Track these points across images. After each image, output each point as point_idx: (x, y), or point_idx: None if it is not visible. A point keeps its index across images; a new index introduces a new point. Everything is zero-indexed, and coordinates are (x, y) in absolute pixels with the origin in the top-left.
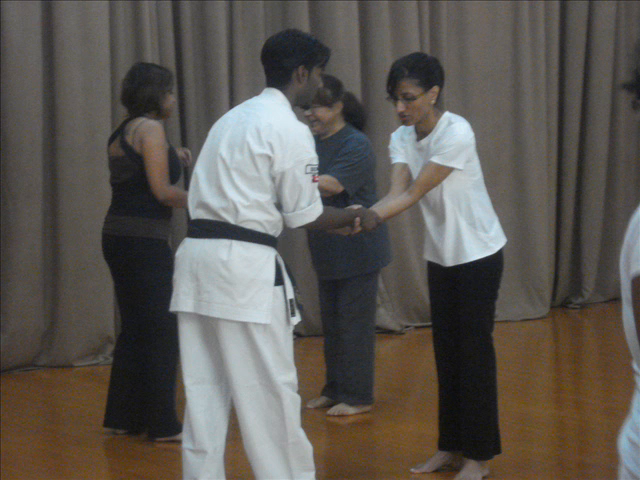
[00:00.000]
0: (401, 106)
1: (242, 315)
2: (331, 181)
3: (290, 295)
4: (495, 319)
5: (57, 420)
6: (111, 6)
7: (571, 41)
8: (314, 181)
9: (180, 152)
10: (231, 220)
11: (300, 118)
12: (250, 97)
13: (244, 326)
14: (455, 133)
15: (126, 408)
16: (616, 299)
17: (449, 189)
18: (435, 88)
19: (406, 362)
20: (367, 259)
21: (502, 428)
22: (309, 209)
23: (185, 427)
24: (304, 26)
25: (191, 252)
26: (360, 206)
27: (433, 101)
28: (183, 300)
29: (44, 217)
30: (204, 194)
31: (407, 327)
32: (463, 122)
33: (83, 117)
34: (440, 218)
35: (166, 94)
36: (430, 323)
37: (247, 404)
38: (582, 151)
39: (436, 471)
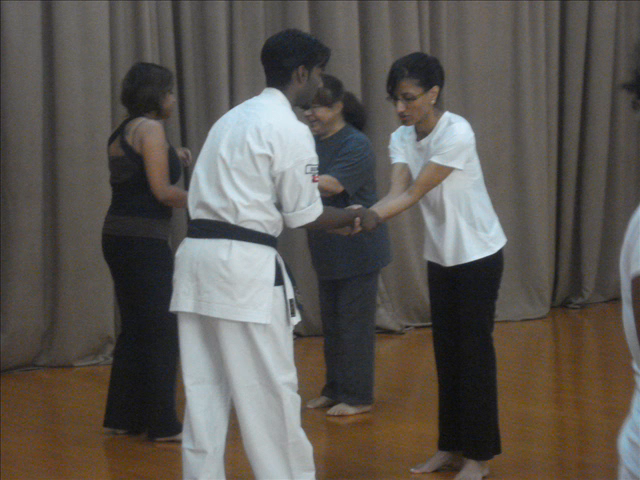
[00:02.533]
0: (401, 106)
1: (242, 315)
2: (331, 181)
3: (290, 295)
4: (495, 319)
5: (57, 420)
6: (111, 6)
7: (571, 41)
8: (314, 181)
9: (180, 152)
10: (231, 220)
11: (300, 118)
12: (250, 97)
13: (244, 326)
14: (455, 133)
15: (126, 408)
16: (616, 299)
17: (449, 189)
18: (435, 88)
19: (406, 362)
20: (367, 259)
21: (502, 428)
22: (309, 209)
23: (185, 427)
24: (304, 26)
25: (191, 252)
26: (360, 206)
27: (433, 101)
28: (183, 300)
29: (44, 217)
30: (204, 194)
31: (407, 327)
32: (463, 122)
33: (83, 117)
34: (440, 218)
35: (166, 94)
36: (430, 323)
37: (247, 404)
38: (582, 151)
39: (436, 471)
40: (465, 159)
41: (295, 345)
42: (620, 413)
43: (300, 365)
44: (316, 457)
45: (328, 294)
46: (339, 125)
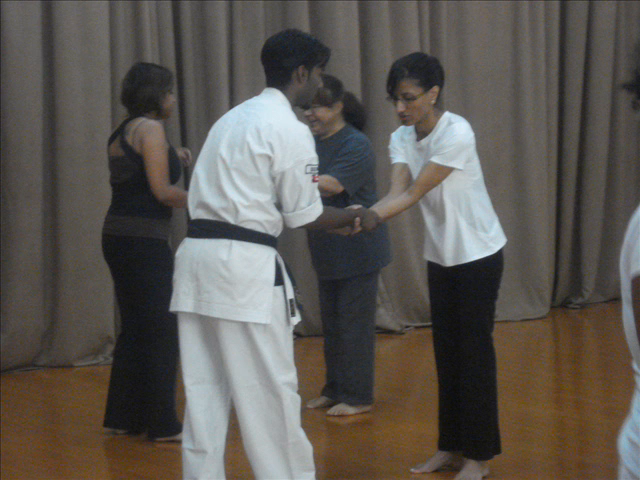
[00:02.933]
0: (401, 106)
1: (242, 315)
2: (331, 181)
3: (290, 295)
4: (495, 319)
5: (57, 420)
6: (111, 6)
7: (571, 41)
8: (314, 181)
9: (180, 152)
10: (231, 220)
11: (300, 118)
12: (250, 97)
13: (244, 326)
14: (455, 133)
15: (126, 408)
16: (616, 299)
17: (449, 189)
18: (435, 88)
19: (406, 362)
20: (367, 259)
21: (502, 428)
22: (309, 209)
23: (185, 427)
24: (304, 26)
25: (191, 252)
26: (360, 206)
27: (433, 101)
28: (183, 300)
29: (44, 217)
30: (204, 194)
31: (407, 327)
32: (463, 122)
33: (83, 117)
34: (440, 218)
35: (166, 94)
36: (430, 323)
37: (247, 404)
38: (582, 151)
39: (436, 471)
40: (465, 159)
41: (295, 345)
42: (620, 413)
43: (300, 365)
44: (316, 457)
45: (328, 294)
46: (339, 125)
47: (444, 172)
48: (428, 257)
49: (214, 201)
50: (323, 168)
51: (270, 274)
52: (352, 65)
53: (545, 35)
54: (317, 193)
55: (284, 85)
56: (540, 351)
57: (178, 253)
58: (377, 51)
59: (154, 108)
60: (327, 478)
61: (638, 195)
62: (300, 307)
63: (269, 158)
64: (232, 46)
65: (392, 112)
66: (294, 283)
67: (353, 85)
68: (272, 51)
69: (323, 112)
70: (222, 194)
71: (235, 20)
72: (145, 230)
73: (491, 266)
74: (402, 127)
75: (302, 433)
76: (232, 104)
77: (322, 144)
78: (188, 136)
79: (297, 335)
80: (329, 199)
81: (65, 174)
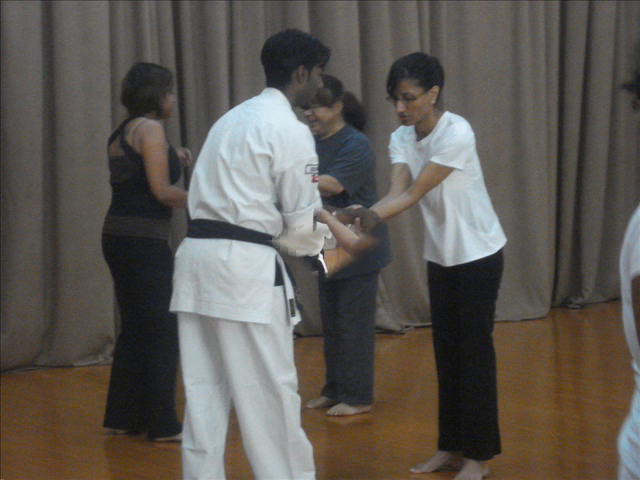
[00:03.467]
0: (401, 106)
1: (242, 315)
2: (331, 181)
3: (290, 295)
4: (495, 319)
5: (57, 420)
6: (111, 6)
7: (571, 41)
8: (314, 181)
9: (180, 152)
10: (231, 220)
11: (300, 118)
12: (250, 97)
13: (244, 326)
14: (455, 133)
15: (126, 408)
16: (616, 299)
17: (449, 189)
18: (435, 88)
19: (406, 362)
20: (367, 259)
21: (502, 428)
22: (309, 209)
23: (185, 427)
24: (304, 26)
25: (191, 252)
26: (360, 206)
27: (433, 101)
28: (183, 300)
29: (44, 217)
30: (204, 194)
31: (407, 327)
32: (463, 122)
33: (83, 117)
34: (440, 218)
35: (166, 94)
36: (430, 323)
37: (247, 404)
38: (582, 151)
39: (436, 471)
40: (465, 159)
41: (295, 345)
42: (620, 413)
43: (300, 365)
44: (316, 457)
45: (328, 294)
46: (339, 125)
47: (444, 172)
48: (428, 257)
49: (214, 201)
50: (323, 168)
51: (270, 274)
52: (352, 65)
53: (545, 35)
54: (317, 193)
55: (284, 85)
56: (540, 351)
57: (178, 253)
58: (377, 51)
59: (154, 108)
60: (327, 478)
61: (638, 195)
62: (300, 307)
63: (269, 158)
64: (232, 46)
65: (392, 112)
66: (294, 283)
67: (353, 85)
68: (272, 51)
69: (323, 112)
70: (222, 194)
71: (235, 20)
72: (145, 230)
73: (491, 266)
74: (402, 127)
75: (302, 433)
76: (232, 104)
77: (322, 144)
78: (188, 136)
79: (297, 335)
80: (329, 199)
81: (65, 174)
